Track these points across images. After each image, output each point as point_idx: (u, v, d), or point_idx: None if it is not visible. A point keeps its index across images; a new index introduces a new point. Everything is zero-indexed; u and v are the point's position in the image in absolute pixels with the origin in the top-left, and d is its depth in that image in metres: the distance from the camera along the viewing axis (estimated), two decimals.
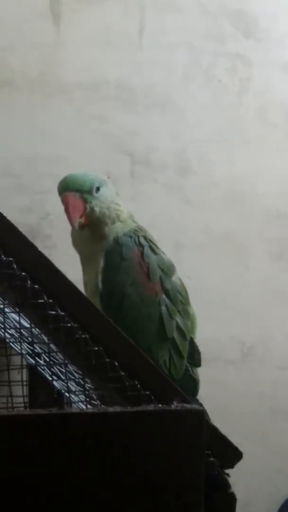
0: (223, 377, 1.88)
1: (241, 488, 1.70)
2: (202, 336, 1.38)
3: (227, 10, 1.92)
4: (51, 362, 0.94)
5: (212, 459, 0.89)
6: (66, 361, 0.92)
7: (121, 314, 1.20)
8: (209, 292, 1.83)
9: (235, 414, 1.85)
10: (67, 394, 0.98)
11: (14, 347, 1.04)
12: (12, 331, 0.98)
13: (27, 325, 0.91)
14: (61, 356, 0.92)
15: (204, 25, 1.90)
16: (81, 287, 1.22)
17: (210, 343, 1.77)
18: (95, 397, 0.96)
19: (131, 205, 1.52)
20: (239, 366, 1.90)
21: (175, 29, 1.89)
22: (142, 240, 1.25)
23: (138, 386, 0.89)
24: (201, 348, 1.35)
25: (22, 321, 0.93)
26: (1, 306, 0.94)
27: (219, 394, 1.81)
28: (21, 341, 0.95)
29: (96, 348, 0.88)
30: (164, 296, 1.25)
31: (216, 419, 1.07)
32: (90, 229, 1.23)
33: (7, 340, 0.99)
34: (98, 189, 1.23)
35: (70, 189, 1.21)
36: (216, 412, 1.22)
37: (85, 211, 1.21)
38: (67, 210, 1.20)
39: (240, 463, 0.94)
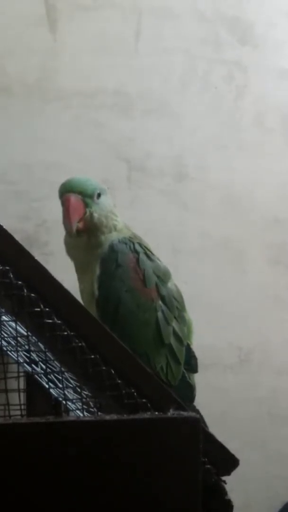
0: (221, 383, 1.88)
1: (240, 493, 1.71)
2: (200, 342, 1.39)
3: (223, 17, 1.92)
4: (48, 370, 0.94)
5: (208, 466, 0.90)
6: (63, 369, 0.92)
7: (118, 321, 1.20)
8: (206, 298, 1.83)
9: (233, 420, 1.85)
10: (64, 402, 0.98)
11: (11, 355, 1.04)
12: (9, 339, 0.98)
13: (24, 333, 0.92)
14: (58, 364, 0.93)
15: (200, 32, 1.91)
16: (78, 294, 1.22)
17: (208, 349, 1.77)
18: (92, 404, 0.96)
19: (128, 211, 1.53)
20: (237, 371, 1.90)
21: (171, 36, 1.89)
22: (137, 247, 1.25)
23: (135, 394, 0.89)
24: (198, 353, 1.35)
25: (19, 329, 0.94)
26: None
27: (217, 400, 1.81)
28: (18, 349, 0.95)
29: (92, 356, 0.88)
30: (160, 302, 1.25)
31: (215, 425, 1.07)
32: (87, 237, 1.24)
33: (4, 348, 1.00)
34: (99, 195, 1.24)
35: (73, 190, 1.21)
36: (214, 417, 1.22)
37: (85, 215, 1.21)
38: (67, 211, 1.20)
39: (239, 468, 0.94)
